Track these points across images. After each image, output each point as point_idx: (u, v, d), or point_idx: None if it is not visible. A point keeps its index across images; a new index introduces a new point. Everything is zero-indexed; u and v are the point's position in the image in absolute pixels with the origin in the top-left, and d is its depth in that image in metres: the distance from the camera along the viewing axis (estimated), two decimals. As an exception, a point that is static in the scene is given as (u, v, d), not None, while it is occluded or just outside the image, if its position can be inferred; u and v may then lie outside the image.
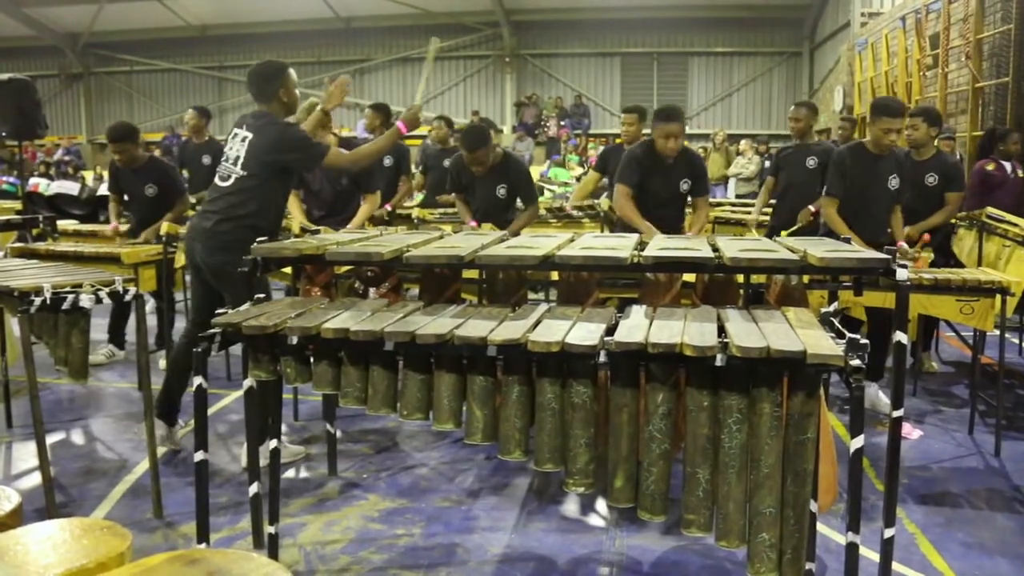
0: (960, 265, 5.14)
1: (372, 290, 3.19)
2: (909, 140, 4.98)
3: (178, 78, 20.70)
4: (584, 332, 2.16)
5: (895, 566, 2.63)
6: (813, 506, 2.18)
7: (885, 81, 11.15)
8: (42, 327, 3.22)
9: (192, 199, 6.11)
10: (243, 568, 1.28)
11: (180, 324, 5.26)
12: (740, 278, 2.94)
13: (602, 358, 2.10)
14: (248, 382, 2.65)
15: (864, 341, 2.06)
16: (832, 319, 2.41)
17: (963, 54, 8.90)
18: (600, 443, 2.19)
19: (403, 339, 2.21)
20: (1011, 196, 5.82)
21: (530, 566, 2.90)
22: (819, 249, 2.46)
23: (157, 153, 9.23)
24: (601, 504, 3.37)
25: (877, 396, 4.54)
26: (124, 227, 5.60)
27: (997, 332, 4.11)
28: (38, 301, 2.95)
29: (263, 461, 2.96)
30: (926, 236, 4.89)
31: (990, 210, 5.21)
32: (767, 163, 6.88)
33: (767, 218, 6.12)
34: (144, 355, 3.44)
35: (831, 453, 2.45)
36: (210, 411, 4.08)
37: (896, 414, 2.36)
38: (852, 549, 2.12)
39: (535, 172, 12.54)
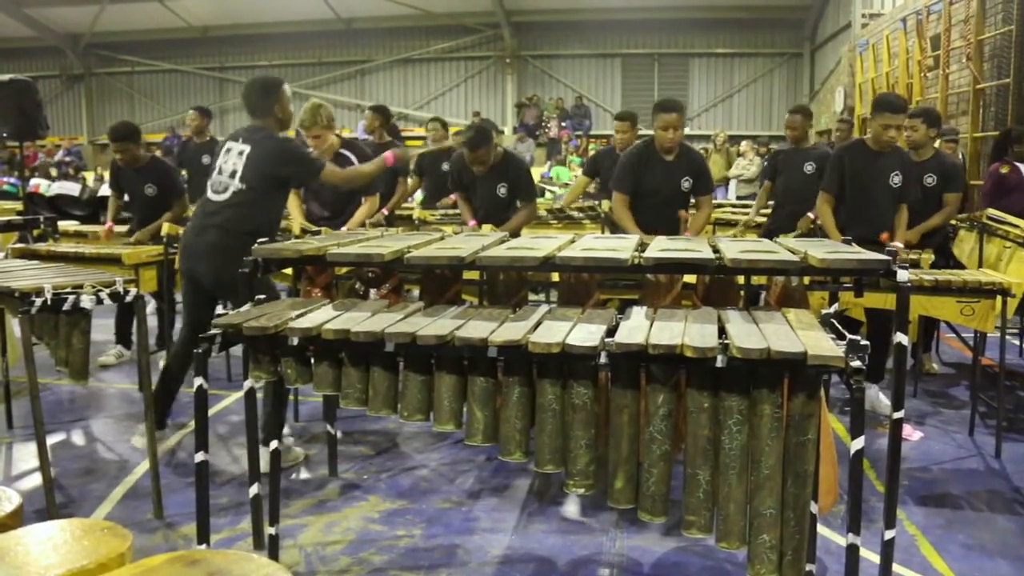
0: (959, 266, 5.13)
1: (373, 291, 3.19)
2: (908, 141, 4.97)
3: (179, 79, 20.71)
4: (585, 333, 2.16)
5: (895, 568, 2.63)
6: (813, 507, 2.18)
7: (886, 82, 11.15)
8: (43, 328, 3.22)
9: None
10: (244, 569, 1.28)
11: (180, 325, 5.26)
12: (741, 279, 2.94)
13: (603, 359, 2.10)
14: (248, 383, 2.65)
15: (864, 342, 2.06)
16: (832, 320, 2.41)
17: (964, 55, 8.90)
18: (601, 444, 2.19)
19: (404, 340, 2.21)
20: None
21: (530, 567, 2.90)
22: (820, 250, 2.46)
23: (158, 154, 9.24)
24: (602, 505, 3.36)
25: (877, 397, 4.54)
26: (120, 228, 5.60)
27: (998, 333, 4.11)
28: (39, 302, 2.96)
29: (263, 463, 2.96)
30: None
31: (991, 211, 5.20)
32: (767, 163, 6.85)
33: (763, 219, 6.12)
34: (145, 356, 3.45)
35: (832, 454, 2.45)
36: (210, 412, 4.09)
37: (897, 415, 2.35)
38: (852, 550, 2.11)
39: (536, 173, 12.55)
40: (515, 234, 3.98)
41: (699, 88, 18.51)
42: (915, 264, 4.55)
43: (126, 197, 5.61)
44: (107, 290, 3.13)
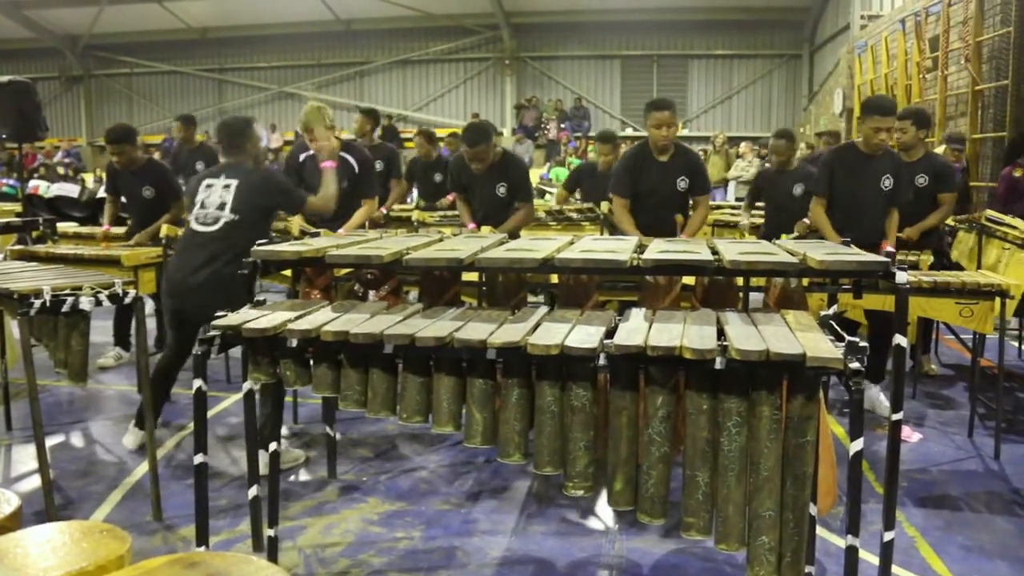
0: (955, 268, 5.14)
1: (372, 293, 3.19)
2: (899, 143, 4.96)
3: (178, 80, 20.72)
4: (584, 335, 2.16)
5: (895, 569, 2.63)
6: (813, 509, 2.18)
7: (885, 84, 11.16)
8: (42, 330, 3.22)
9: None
10: (242, 571, 1.28)
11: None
12: (740, 281, 2.94)
13: (602, 361, 2.10)
14: (247, 385, 2.65)
15: (863, 344, 2.06)
16: (831, 322, 2.41)
17: (963, 57, 8.91)
18: (599, 446, 2.19)
19: (403, 342, 2.21)
20: None
21: (530, 569, 2.90)
22: (818, 252, 2.46)
23: (156, 155, 9.24)
24: (601, 507, 3.37)
25: (878, 398, 4.54)
26: (118, 230, 5.59)
27: (997, 335, 4.11)
28: (38, 304, 2.95)
29: (262, 464, 2.96)
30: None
31: (989, 212, 5.21)
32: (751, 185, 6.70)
33: (758, 221, 6.11)
34: (143, 357, 3.44)
35: (831, 456, 2.46)
36: (209, 414, 4.08)
37: (896, 417, 2.35)
38: (851, 552, 2.11)
39: (535, 175, 12.55)
40: (514, 235, 3.99)
41: (698, 89, 18.53)
42: (914, 266, 4.55)
43: (123, 200, 5.61)
44: (106, 292, 3.13)
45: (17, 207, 8.34)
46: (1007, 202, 5.66)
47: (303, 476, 3.76)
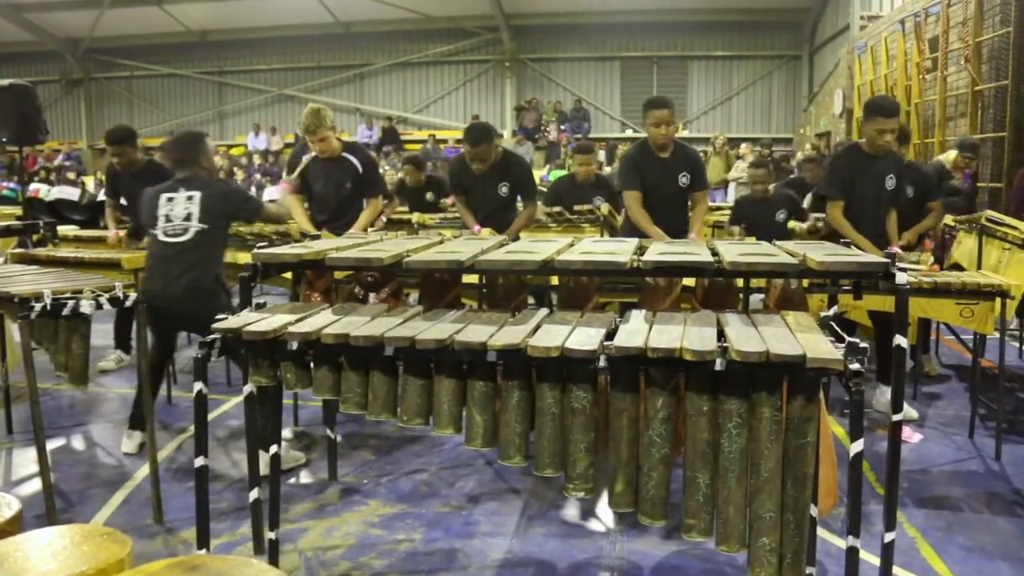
0: (952, 269, 5.16)
1: (372, 295, 3.19)
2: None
3: (178, 83, 20.74)
4: (584, 337, 2.16)
5: (896, 570, 2.63)
6: (813, 510, 2.18)
7: (884, 84, 11.17)
8: (42, 333, 3.22)
9: None
10: (243, 574, 1.28)
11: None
12: (740, 282, 2.94)
13: (602, 363, 2.10)
14: (248, 387, 2.65)
15: (864, 345, 2.06)
16: (831, 323, 2.41)
17: (962, 57, 8.91)
18: (600, 448, 2.19)
19: (403, 344, 2.21)
20: None
21: (530, 571, 2.90)
22: (818, 253, 2.46)
23: (156, 158, 9.23)
24: (601, 509, 3.36)
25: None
26: (123, 232, 5.60)
27: (997, 335, 4.11)
28: (38, 307, 2.96)
29: (263, 467, 2.96)
30: (927, 243, 4.90)
31: (990, 213, 5.22)
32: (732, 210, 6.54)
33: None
34: (144, 360, 3.44)
35: (831, 457, 2.46)
36: (210, 416, 4.09)
37: (896, 418, 2.36)
38: (852, 553, 2.11)
39: (535, 176, 12.53)
40: (516, 237, 3.99)
41: (698, 91, 18.53)
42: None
43: (123, 203, 5.61)
44: (106, 295, 3.13)
45: (18, 210, 8.35)
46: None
47: (304, 478, 3.76)
